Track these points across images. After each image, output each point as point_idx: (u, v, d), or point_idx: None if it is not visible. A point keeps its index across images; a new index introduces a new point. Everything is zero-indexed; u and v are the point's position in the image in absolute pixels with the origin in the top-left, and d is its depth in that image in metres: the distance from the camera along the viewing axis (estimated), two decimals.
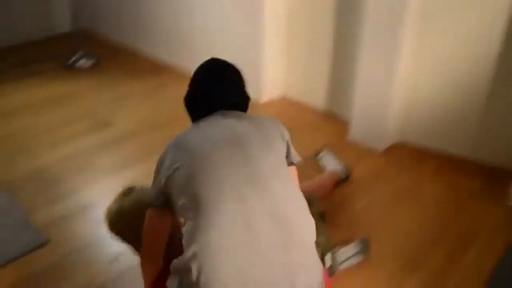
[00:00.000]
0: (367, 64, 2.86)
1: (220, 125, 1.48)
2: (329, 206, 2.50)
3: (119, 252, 2.17)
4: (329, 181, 2.52)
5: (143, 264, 1.64)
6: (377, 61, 2.80)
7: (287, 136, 1.57)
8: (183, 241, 1.33)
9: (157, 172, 1.47)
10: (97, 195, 2.64)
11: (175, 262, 1.34)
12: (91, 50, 4.58)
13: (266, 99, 3.65)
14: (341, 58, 3.24)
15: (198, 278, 1.25)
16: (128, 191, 1.89)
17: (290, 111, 3.53)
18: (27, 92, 3.90)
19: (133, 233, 1.69)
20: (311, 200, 2.02)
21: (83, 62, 4.38)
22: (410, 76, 2.87)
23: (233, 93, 1.66)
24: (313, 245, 1.41)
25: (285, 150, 1.53)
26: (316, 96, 3.48)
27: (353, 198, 2.58)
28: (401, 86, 2.86)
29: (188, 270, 1.27)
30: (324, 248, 2.01)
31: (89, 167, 2.90)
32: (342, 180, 2.57)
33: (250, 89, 3.72)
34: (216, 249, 1.26)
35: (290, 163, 1.54)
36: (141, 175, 2.71)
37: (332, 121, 3.37)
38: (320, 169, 2.70)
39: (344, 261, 2.07)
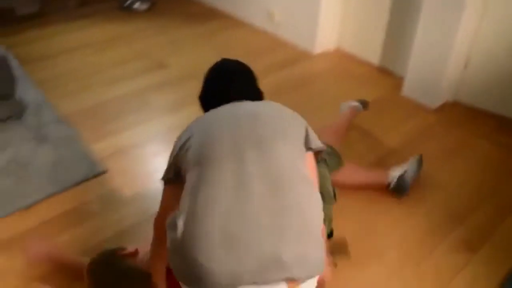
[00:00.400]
0: (427, 21, 2.78)
1: (236, 105, 1.47)
2: (375, 157, 2.53)
3: None
4: (343, 121, 2.58)
5: (153, 259, 1.57)
6: (439, 19, 2.72)
7: (305, 122, 1.50)
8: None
9: (173, 147, 1.44)
10: (152, 131, 2.77)
11: (168, 218, 1.32)
12: None
13: (320, 51, 3.62)
14: (399, 13, 3.15)
15: (182, 234, 1.22)
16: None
17: (343, 63, 3.50)
18: (85, 32, 3.99)
19: None
20: (331, 152, 2.14)
21: (139, 5, 4.42)
22: (471, 36, 2.77)
23: (246, 88, 1.65)
24: (316, 222, 1.31)
25: (303, 133, 1.44)
26: (371, 50, 3.42)
27: (401, 151, 2.58)
28: (461, 46, 2.78)
29: (175, 226, 1.24)
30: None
31: (145, 105, 3.00)
32: (359, 111, 2.67)
33: (305, 40, 3.74)
34: (203, 207, 1.22)
35: (309, 148, 1.43)
36: (192, 116, 2.78)
37: (385, 76, 3.32)
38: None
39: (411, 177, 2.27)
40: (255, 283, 1.18)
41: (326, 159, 2.11)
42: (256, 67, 3.39)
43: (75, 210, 2.20)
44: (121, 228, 2.10)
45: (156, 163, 2.53)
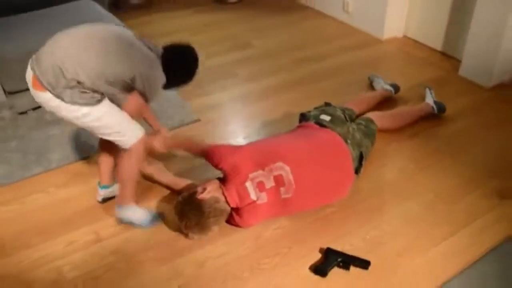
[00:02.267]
0: (483, 4, 3.01)
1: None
2: (431, 123, 2.82)
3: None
4: (369, 98, 2.97)
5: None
6: (494, 2, 2.95)
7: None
8: None
9: None
10: (236, 94, 3.28)
11: None
12: None
13: (388, 37, 3.95)
14: (461, 5, 3.39)
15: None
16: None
17: (407, 48, 3.80)
18: (185, 19, 4.61)
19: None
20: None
21: None
22: None
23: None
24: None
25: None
26: (434, 36, 3.69)
27: (455, 119, 2.85)
28: None
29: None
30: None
31: (232, 75, 3.52)
32: (390, 95, 3.06)
33: (375, 27, 4.06)
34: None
35: None
36: (273, 85, 3.31)
37: (446, 59, 3.58)
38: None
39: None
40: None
41: (363, 129, 2.44)
42: (328, 49, 3.87)
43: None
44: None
45: (237, 117, 3.03)
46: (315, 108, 2.59)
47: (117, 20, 3.34)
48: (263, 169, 2.07)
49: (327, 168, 2.16)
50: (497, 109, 2.95)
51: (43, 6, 3.56)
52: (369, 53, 3.77)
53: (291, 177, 2.07)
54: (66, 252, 2.09)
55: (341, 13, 4.31)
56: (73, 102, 1.83)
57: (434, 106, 2.85)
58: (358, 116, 2.66)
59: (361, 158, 2.32)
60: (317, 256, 2.00)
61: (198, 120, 2.97)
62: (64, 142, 2.79)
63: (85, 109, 1.86)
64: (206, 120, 2.97)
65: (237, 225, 2.14)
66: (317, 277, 1.90)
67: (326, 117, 2.41)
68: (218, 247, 2.08)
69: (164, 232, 2.17)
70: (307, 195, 2.12)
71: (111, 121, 1.95)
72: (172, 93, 3.22)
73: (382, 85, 3.08)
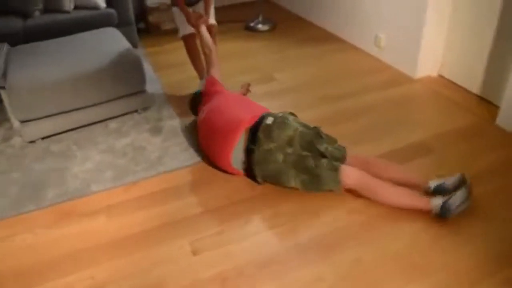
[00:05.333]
0: None
1: None
2: None
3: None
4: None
5: None
6: None
7: None
8: None
9: None
10: None
11: None
12: (270, 16, 4.94)
13: (420, 75, 3.55)
14: (502, 44, 2.97)
15: None
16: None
17: (441, 89, 3.38)
18: (218, 45, 4.38)
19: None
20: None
21: (262, 26, 4.75)
22: None
23: None
24: None
25: None
26: (471, 78, 3.26)
27: (481, 177, 2.43)
28: None
29: None
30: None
31: None
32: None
33: (407, 64, 3.69)
34: None
35: None
36: None
37: (483, 105, 3.14)
38: None
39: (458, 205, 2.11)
40: None
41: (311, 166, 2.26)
42: (355, 86, 3.54)
43: (168, 190, 2.50)
44: (203, 209, 2.33)
45: None
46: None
47: (135, 51, 3.17)
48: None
49: (216, 133, 2.50)
50: None
51: (69, 32, 3.50)
52: (399, 92, 3.39)
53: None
54: None
55: (372, 48, 3.96)
56: None
57: (439, 208, 2.12)
58: None
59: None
60: None
61: (199, 162, 2.72)
62: (63, 178, 2.63)
63: None
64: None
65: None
66: None
67: (270, 119, 2.39)
68: None
69: None
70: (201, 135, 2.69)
71: None
72: (178, 131, 3.02)
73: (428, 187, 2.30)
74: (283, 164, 2.28)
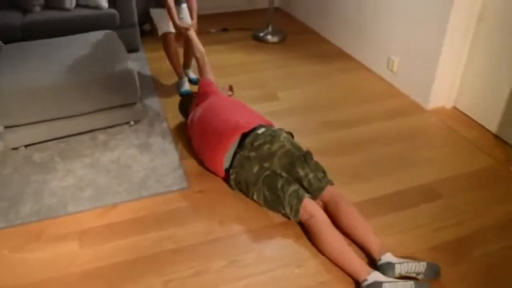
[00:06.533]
0: None
1: None
2: (459, 234, 2.19)
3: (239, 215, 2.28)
4: None
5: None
6: None
7: None
8: None
9: None
10: None
11: None
12: (280, 26, 4.72)
13: (434, 106, 3.30)
14: None
15: None
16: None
17: (454, 123, 3.12)
18: (219, 56, 4.19)
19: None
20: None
21: (271, 37, 4.53)
22: None
23: None
24: None
25: None
26: (489, 115, 3.01)
27: (489, 231, 2.20)
28: None
29: None
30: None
31: None
32: None
33: (420, 93, 3.46)
34: None
35: None
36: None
37: (500, 146, 2.89)
38: None
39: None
40: None
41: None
42: (362, 112, 3.30)
43: (147, 218, 2.29)
44: (180, 245, 2.13)
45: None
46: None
47: (129, 62, 2.97)
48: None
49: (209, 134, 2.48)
50: None
51: (68, 31, 3.36)
52: (408, 123, 3.14)
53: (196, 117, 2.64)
54: None
55: (384, 70, 3.71)
56: None
57: (367, 285, 1.82)
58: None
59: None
60: None
61: (185, 188, 2.50)
62: (40, 193, 2.44)
63: None
64: (194, 189, 2.51)
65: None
66: None
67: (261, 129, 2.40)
68: None
69: None
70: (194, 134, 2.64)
71: None
72: (168, 149, 2.81)
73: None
74: (255, 176, 2.25)
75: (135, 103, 3.00)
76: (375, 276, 1.82)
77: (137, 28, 4.11)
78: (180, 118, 3.13)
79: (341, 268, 1.97)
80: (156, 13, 3.34)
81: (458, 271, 1.98)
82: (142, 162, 2.68)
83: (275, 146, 2.29)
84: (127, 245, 2.12)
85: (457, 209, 2.35)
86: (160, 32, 3.36)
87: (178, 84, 3.54)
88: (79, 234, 2.18)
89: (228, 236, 2.18)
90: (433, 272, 1.89)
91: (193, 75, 3.76)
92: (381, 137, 2.97)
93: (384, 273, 1.86)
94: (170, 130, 3.01)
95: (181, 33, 3.27)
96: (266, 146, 2.29)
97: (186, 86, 3.52)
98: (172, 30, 3.32)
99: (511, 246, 2.12)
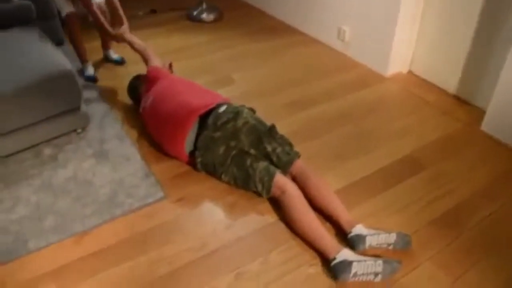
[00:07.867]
0: None
1: None
2: (441, 203, 2.17)
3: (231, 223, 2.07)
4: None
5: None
6: None
7: None
8: None
9: None
10: None
11: None
12: (214, 3, 4.42)
13: (392, 73, 3.27)
14: (483, 41, 2.74)
15: None
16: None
17: (415, 89, 3.12)
18: (153, 41, 3.82)
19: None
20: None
21: (206, 15, 4.23)
22: None
23: None
24: None
25: None
26: (446, 77, 3.03)
27: (472, 200, 2.21)
28: None
29: None
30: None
31: None
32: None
33: (377, 61, 3.38)
34: None
35: None
36: None
37: (462, 106, 2.93)
38: None
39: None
40: None
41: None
42: (322, 88, 3.16)
43: (129, 241, 2.01)
44: (175, 266, 1.89)
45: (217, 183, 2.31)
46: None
47: (54, 49, 2.57)
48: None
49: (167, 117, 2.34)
50: None
51: None
52: (372, 94, 3.07)
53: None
54: None
55: (335, 41, 3.61)
56: None
57: (336, 264, 1.77)
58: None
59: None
60: None
61: (163, 197, 2.23)
62: (18, 226, 2.05)
63: None
64: (171, 197, 2.25)
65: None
66: None
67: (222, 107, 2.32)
68: None
69: None
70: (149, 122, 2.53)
71: None
72: (129, 154, 2.50)
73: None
74: (223, 156, 2.19)
75: (79, 107, 2.62)
76: (344, 254, 1.78)
77: (58, 19, 3.60)
78: (132, 112, 2.82)
79: (312, 245, 1.91)
80: None
81: (462, 242, 1.96)
82: (104, 175, 2.36)
83: (239, 122, 2.22)
84: (115, 277, 1.83)
85: (443, 178, 2.33)
86: (63, 13, 3.11)
87: (83, 69, 3.29)
88: (53, 275, 1.85)
89: (225, 246, 1.97)
90: (404, 242, 1.89)
91: (115, 55, 3.49)
92: (349, 111, 2.88)
93: (354, 246, 1.85)
94: (124, 130, 2.68)
95: (117, 41, 3.06)
96: (230, 124, 2.21)
97: (90, 71, 3.27)
98: (74, 9, 3.10)
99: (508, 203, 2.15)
